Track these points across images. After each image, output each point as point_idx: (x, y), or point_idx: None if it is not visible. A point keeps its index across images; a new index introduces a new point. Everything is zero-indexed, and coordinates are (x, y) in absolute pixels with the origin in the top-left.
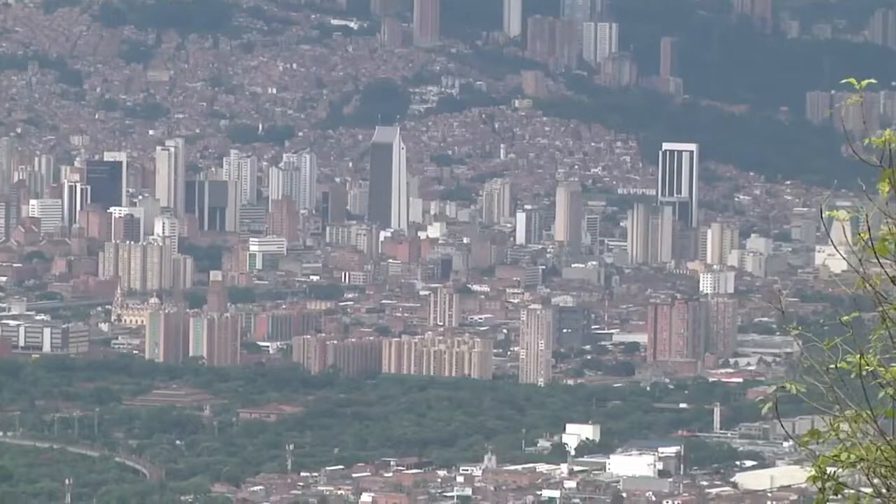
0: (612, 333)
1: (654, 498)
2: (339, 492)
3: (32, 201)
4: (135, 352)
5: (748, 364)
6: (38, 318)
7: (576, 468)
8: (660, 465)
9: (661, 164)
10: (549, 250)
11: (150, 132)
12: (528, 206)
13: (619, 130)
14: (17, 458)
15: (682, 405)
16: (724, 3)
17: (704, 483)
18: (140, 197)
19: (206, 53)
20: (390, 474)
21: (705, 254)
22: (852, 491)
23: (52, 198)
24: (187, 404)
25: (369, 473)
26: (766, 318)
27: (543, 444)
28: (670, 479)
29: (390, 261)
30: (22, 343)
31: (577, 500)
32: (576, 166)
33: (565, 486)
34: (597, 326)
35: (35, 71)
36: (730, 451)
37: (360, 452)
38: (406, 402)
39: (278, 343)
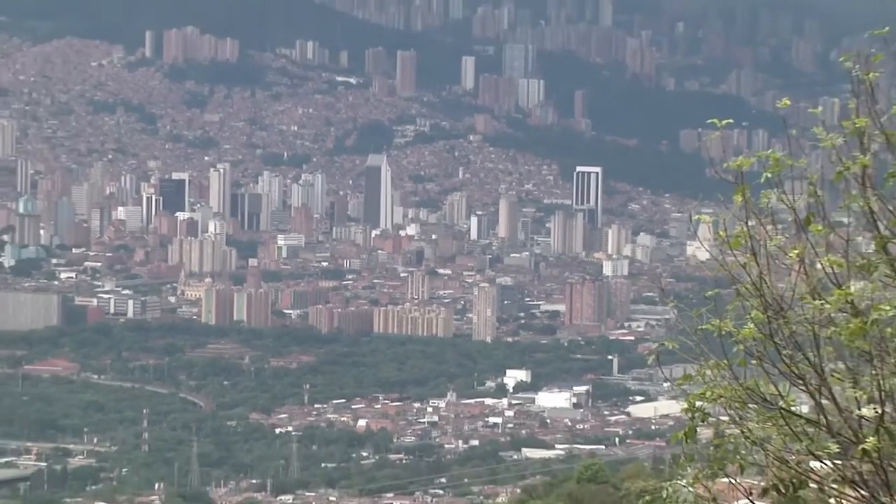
0: (539, 304)
1: (569, 423)
2: (342, 418)
3: (120, 208)
4: (194, 317)
5: (638, 327)
6: (123, 292)
7: (513, 402)
8: (574, 400)
9: (575, 182)
10: (494, 244)
11: (206, 158)
12: (479, 212)
13: (545, 157)
14: (108, 394)
15: (590, 357)
16: (621, 65)
17: (606, 413)
18: (198, 205)
19: (246, 101)
20: (379, 406)
21: (607, 247)
22: (714, 419)
23: (134, 206)
24: (232, 355)
25: (364, 405)
26: (651, 294)
27: (490, 384)
28: (581, 410)
29: (379, 251)
30: (112, 311)
31: (512, 425)
32: (513, 183)
33: (505, 414)
34: (529, 299)
35: (122, 113)
36: (625, 389)
37: (357, 390)
38: (390, 354)
39: (298, 311)
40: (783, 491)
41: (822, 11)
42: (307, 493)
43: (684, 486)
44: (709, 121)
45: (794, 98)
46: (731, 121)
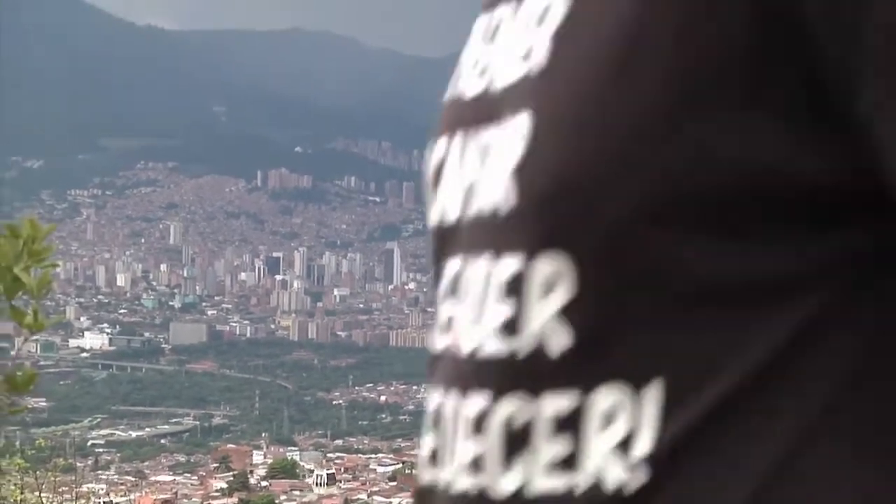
0: None
1: None
2: (371, 395)
3: (242, 273)
4: (285, 336)
5: None
6: (244, 322)
7: None
8: None
9: None
10: None
11: (292, 244)
12: None
13: None
14: (236, 382)
15: None
16: None
17: None
18: (288, 271)
19: (316, 211)
20: (393, 388)
21: None
22: None
23: (250, 272)
24: (307, 359)
25: (384, 388)
26: None
27: None
28: None
29: (392, 298)
30: (237, 332)
31: None
32: None
33: None
34: None
35: (243, 219)
36: None
37: (380, 378)
38: (400, 357)
39: (346, 332)
40: None
41: None
42: (350, 439)
43: None
44: None
45: None
46: None
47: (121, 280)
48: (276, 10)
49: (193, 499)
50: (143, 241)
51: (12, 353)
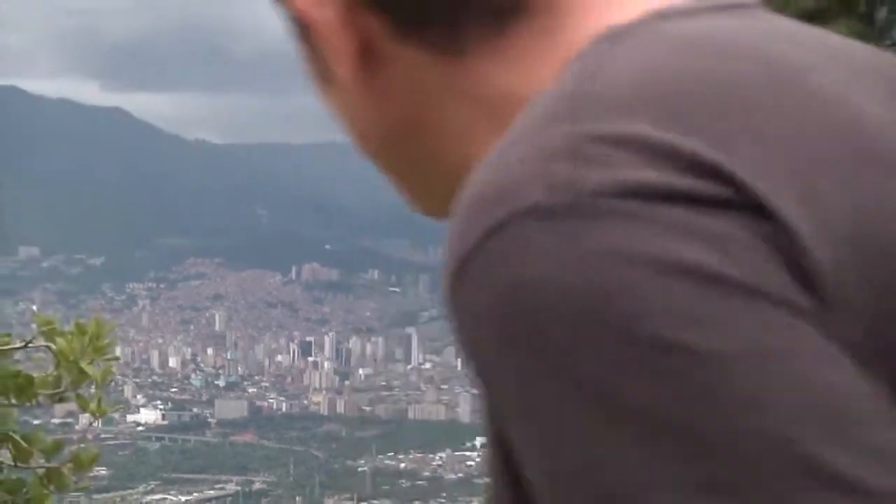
0: None
1: None
2: (392, 462)
3: (278, 356)
4: (316, 409)
5: None
6: (280, 398)
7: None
8: None
9: None
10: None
11: (322, 329)
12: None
13: None
14: (275, 451)
15: None
16: None
17: None
18: (319, 353)
19: (343, 300)
20: (411, 455)
21: None
22: None
23: (286, 354)
24: (335, 430)
25: (403, 456)
26: None
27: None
28: None
29: (411, 376)
30: (274, 407)
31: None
32: None
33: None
34: None
35: (280, 307)
36: None
37: (400, 447)
38: (417, 429)
39: (370, 407)
40: None
41: None
42: (374, 502)
43: None
44: None
45: None
46: None
47: (172, 362)
48: (311, 125)
49: None
50: (192, 327)
51: (77, 426)
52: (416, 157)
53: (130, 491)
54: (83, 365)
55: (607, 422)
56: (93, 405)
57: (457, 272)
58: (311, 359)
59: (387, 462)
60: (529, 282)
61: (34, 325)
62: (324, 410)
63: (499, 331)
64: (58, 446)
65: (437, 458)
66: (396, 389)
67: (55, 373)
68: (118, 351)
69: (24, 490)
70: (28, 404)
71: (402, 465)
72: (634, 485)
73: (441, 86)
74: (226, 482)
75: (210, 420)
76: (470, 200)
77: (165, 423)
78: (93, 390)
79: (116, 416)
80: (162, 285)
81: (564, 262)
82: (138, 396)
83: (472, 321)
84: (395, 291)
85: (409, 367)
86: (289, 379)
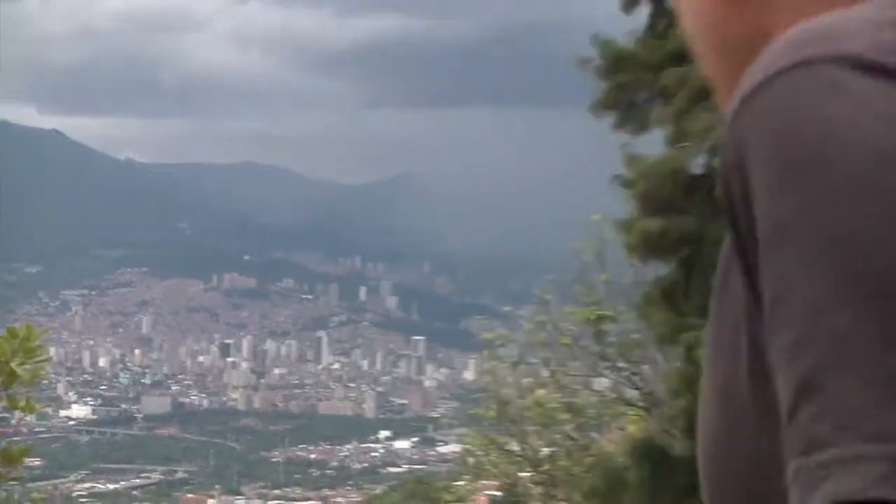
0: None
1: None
2: (300, 452)
3: (200, 357)
4: (235, 405)
5: None
6: (201, 395)
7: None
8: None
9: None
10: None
11: (241, 333)
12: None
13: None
14: (199, 444)
15: None
16: None
17: None
18: (236, 357)
19: (259, 307)
20: (321, 447)
21: None
22: None
23: (205, 355)
24: (251, 425)
25: (313, 447)
26: None
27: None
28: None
29: (321, 375)
30: (195, 404)
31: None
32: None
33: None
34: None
35: (200, 314)
36: None
37: (310, 439)
38: (320, 421)
39: (283, 403)
40: None
41: None
42: (286, 489)
43: None
44: None
45: None
46: None
47: (102, 362)
48: (231, 147)
49: None
50: (120, 330)
51: (13, 421)
52: (742, 35)
53: (63, 480)
54: (13, 366)
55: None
56: (22, 403)
57: (751, 91)
58: (229, 359)
59: (298, 453)
60: (834, 123)
61: None
62: (241, 406)
63: (784, 157)
64: None
65: (345, 449)
66: (307, 387)
67: None
68: (52, 352)
69: None
70: None
71: (313, 455)
72: None
73: None
74: (151, 472)
75: (136, 415)
76: (780, 41)
77: (95, 417)
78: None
79: (50, 410)
80: (93, 292)
81: (881, 116)
82: (70, 393)
83: (759, 140)
84: (307, 298)
85: (319, 367)
86: (209, 377)
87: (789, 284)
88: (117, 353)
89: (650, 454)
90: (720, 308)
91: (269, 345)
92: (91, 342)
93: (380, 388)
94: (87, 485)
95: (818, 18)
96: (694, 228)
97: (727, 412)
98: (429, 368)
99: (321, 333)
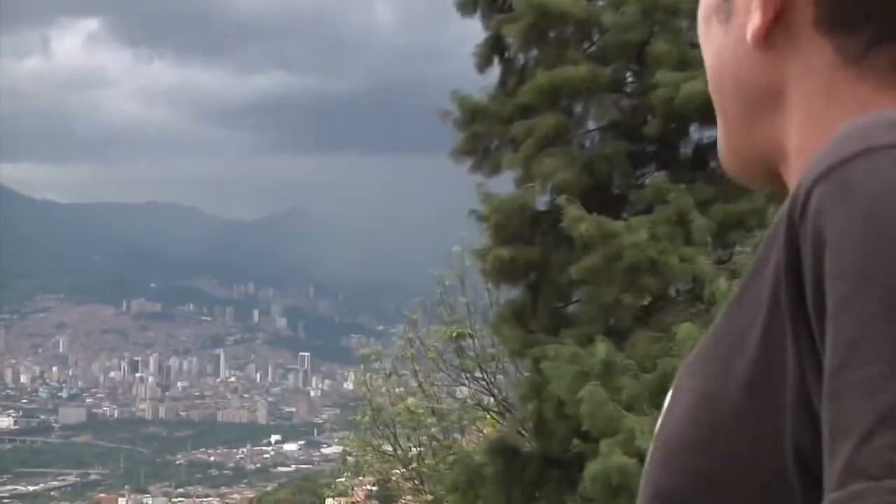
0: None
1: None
2: (200, 455)
3: (112, 372)
4: (143, 415)
5: None
6: (108, 408)
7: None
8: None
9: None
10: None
11: (148, 351)
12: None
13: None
14: (112, 450)
15: None
16: None
17: None
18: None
19: (165, 328)
20: (220, 450)
21: None
22: None
23: (128, 377)
24: (156, 431)
25: (214, 450)
26: None
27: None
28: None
29: (220, 388)
30: (112, 415)
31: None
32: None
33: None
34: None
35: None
36: None
37: (212, 442)
38: (224, 429)
39: (186, 412)
40: None
41: None
42: (189, 488)
43: None
44: None
45: None
46: None
47: (24, 378)
48: (138, 189)
49: None
50: (40, 350)
51: None
52: (752, 117)
53: None
54: None
55: None
56: None
57: (823, 173)
58: (138, 374)
59: (199, 456)
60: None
61: None
62: (148, 415)
63: (865, 243)
64: None
65: (240, 452)
66: (207, 398)
67: None
68: None
69: None
70: None
71: (212, 458)
72: None
73: (825, 81)
74: (67, 475)
75: (55, 425)
76: (821, 152)
77: (17, 427)
78: None
79: None
80: (15, 316)
81: None
82: None
83: (846, 223)
84: (206, 320)
85: (217, 380)
86: (120, 391)
87: (870, 327)
88: (37, 370)
89: (504, 452)
90: (726, 323)
91: (173, 361)
92: (13, 361)
93: (271, 398)
94: (9, 487)
95: (874, 113)
96: (538, 257)
97: (701, 417)
98: (314, 380)
99: (219, 351)
